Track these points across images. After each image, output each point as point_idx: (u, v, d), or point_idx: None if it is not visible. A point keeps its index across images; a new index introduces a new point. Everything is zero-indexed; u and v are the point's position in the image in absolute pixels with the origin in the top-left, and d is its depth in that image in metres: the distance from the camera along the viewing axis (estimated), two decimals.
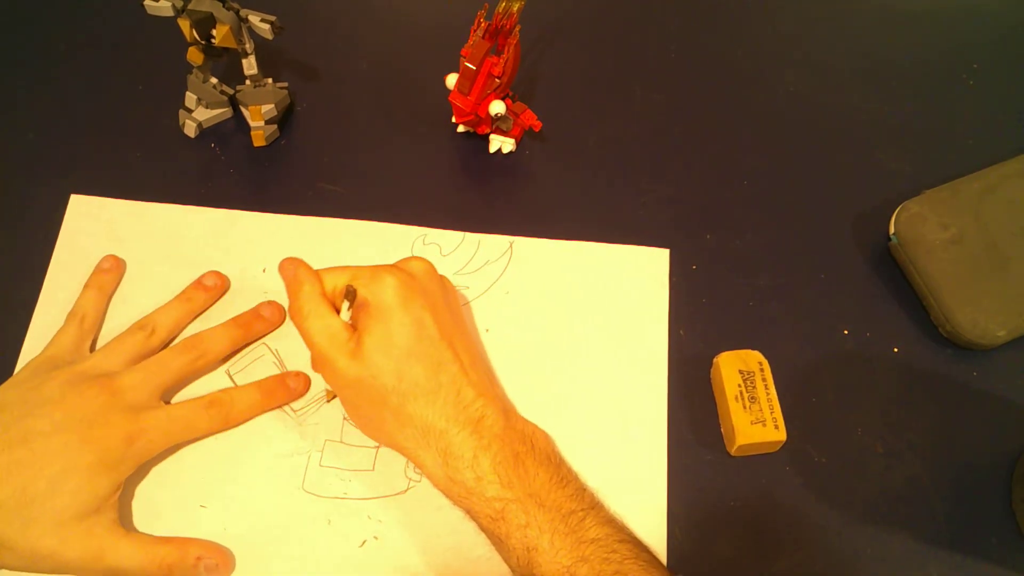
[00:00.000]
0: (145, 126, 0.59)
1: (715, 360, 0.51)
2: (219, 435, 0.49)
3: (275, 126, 0.58)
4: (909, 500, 0.49)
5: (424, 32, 0.64)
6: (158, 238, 0.55)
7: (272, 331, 0.52)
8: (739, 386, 0.49)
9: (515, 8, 0.50)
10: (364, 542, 0.47)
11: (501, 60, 0.52)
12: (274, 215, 0.56)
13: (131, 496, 0.47)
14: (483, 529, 0.43)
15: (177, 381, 0.48)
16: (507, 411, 0.45)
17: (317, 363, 0.46)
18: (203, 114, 0.59)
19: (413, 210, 0.56)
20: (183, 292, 0.52)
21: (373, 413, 0.44)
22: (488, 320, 0.53)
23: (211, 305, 0.52)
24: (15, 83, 0.61)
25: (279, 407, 0.50)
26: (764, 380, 0.49)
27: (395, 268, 0.46)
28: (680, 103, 0.62)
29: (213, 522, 0.47)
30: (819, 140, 0.60)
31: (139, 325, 0.50)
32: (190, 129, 0.58)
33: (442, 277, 0.49)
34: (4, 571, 0.44)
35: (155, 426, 0.45)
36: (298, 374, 0.51)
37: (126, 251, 0.54)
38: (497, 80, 0.53)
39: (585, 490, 0.43)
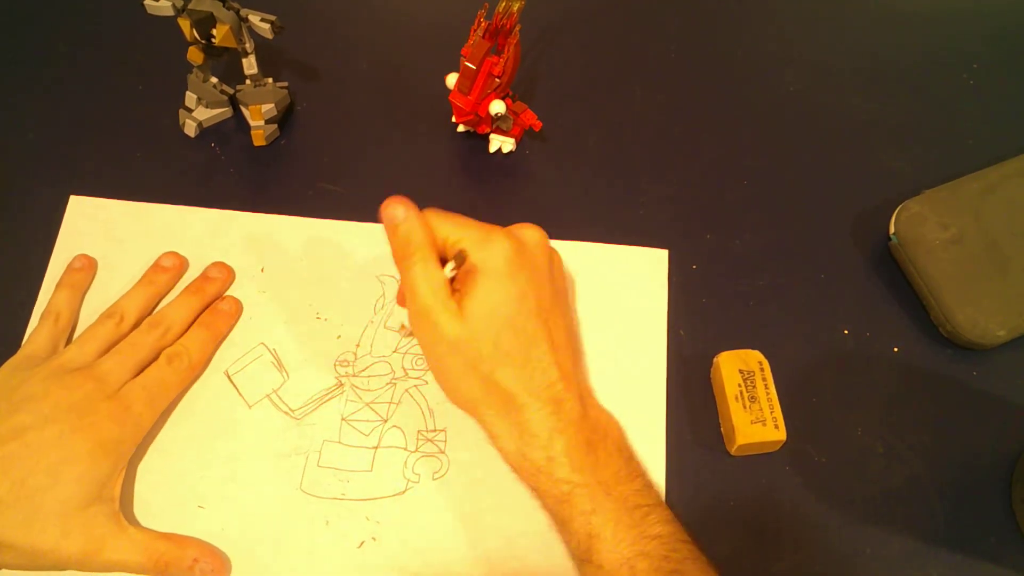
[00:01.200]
0: (145, 126, 0.59)
1: (715, 360, 0.51)
2: (216, 434, 0.49)
3: (275, 126, 0.58)
4: (909, 500, 0.49)
5: (424, 32, 0.64)
6: (157, 238, 0.55)
7: (224, 291, 0.53)
8: (739, 386, 0.49)
9: (515, 8, 0.50)
10: (362, 543, 0.47)
11: (501, 60, 0.52)
12: (272, 215, 0.56)
13: (130, 496, 0.47)
14: (546, 508, 0.43)
15: (149, 358, 0.48)
16: (584, 398, 0.45)
17: (416, 316, 0.44)
18: (203, 114, 0.59)
19: None
20: (144, 276, 0.53)
21: (461, 375, 0.44)
22: None
23: (173, 285, 0.53)
24: (15, 83, 0.61)
25: (226, 335, 0.52)
26: (764, 380, 0.49)
27: (509, 234, 0.45)
28: (680, 103, 0.62)
29: (211, 522, 0.47)
30: (819, 140, 0.60)
31: (107, 314, 0.50)
32: (190, 129, 0.58)
33: (552, 250, 0.48)
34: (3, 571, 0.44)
35: (135, 398, 0.46)
36: (225, 297, 0.53)
37: (125, 252, 0.54)
38: (497, 80, 0.53)
39: (652, 487, 0.44)
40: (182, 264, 0.54)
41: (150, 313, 0.52)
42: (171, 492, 0.48)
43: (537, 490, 0.43)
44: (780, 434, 0.48)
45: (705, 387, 0.51)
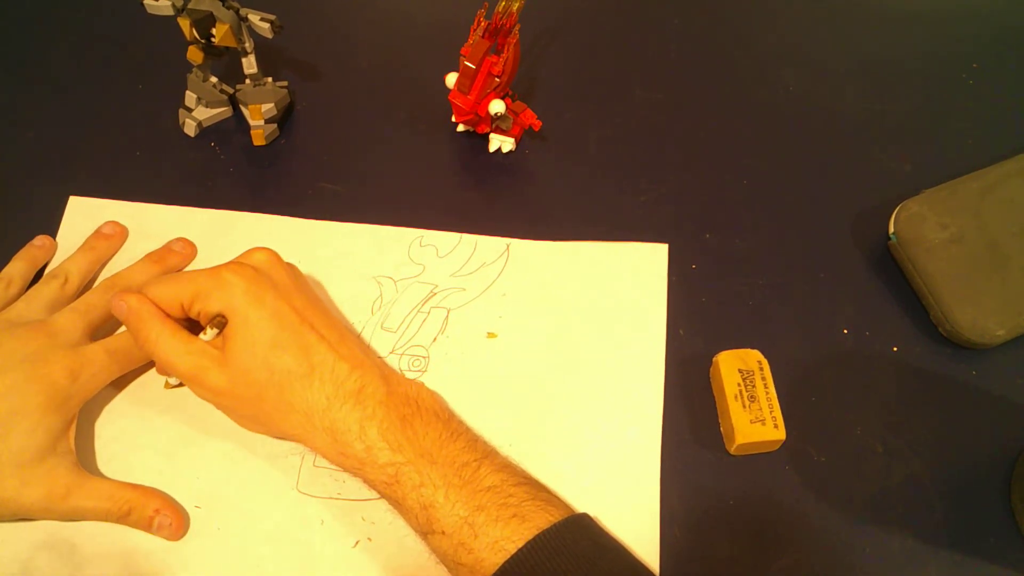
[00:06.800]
0: (145, 126, 0.59)
1: (715, 359, 0.50)
2: (214, 434, 0.49)
3: (275, 125, 0.59)
4: (909, 500, 0.49)
5: (424, 32, 0.64)
6: (157, 239, 0.55)
7: (186, 265, 0.54)
8: (738, 385, 0.49)
9: (515, 7, 0.50)
10: (357, 543, 0.47)
11: (501, 59, 0.52)
12: (272, 216, 0.56)
13: None
14: (381, 495, 0.44)
15: (104, 319, 0.49)
16: (387, 377, 0.45)
17: (187, 383, 0.45)
18: (203, 113, 0.59)
19: (413, 209, 0.56)
20: (86, 242, 0.54)
21: (255, 411, 0.44)
22: (484, 322, 0.53)
23: (114, 253, 0.54)
24: (15, 83, 0.61)
25: None
26: (763, 379, 0.49)
27: (237, 266, 0.45)
28: (680, 103, 0.62)
29: (207, 522, 0.47)
30: (819, 140, 0.60)
31: (52, 275, 0.51)
32: (190, 128, 0.58)
33: (289, 264, 0.49)
34: None
35: (95, 359, 0.46)
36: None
37: (125, 252, 0.54)
38: (497, 79, 0.53)
39: (477, 440, 0.44)
40: (122, 233, 0.55)
41: (91, 276, 0.53)
42: (168, 492, 0.47)
43: (367, 481, 0.43)
44: (780, 433, 0.48)
45: (704, 386, 0.51)
